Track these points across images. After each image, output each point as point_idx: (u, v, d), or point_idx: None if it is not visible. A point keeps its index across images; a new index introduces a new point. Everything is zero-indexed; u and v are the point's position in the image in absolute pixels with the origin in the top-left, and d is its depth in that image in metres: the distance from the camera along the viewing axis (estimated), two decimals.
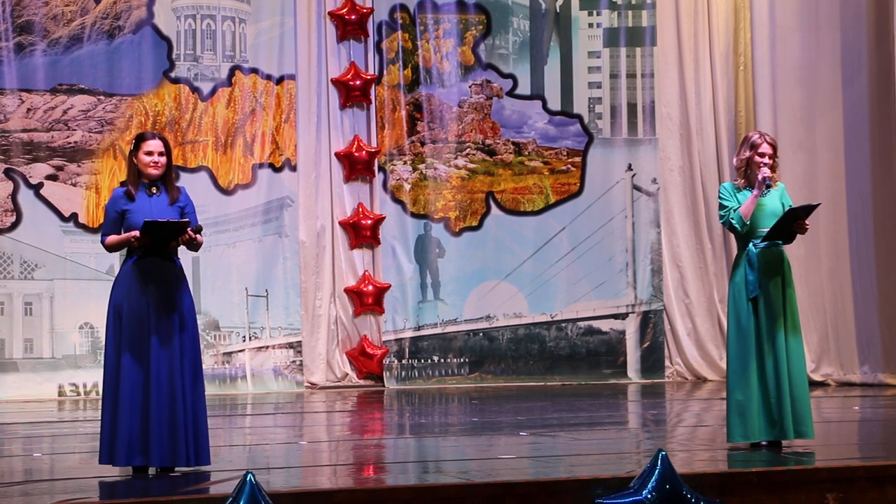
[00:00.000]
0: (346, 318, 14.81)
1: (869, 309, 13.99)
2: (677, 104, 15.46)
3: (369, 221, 14.77)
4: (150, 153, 7.21)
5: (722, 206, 7.99)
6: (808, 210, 7.94)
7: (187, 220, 7.15)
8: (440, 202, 15.14)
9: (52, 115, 14.04)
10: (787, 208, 7.99)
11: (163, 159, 7.23)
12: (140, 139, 7.28)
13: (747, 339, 7.90)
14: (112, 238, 7.23)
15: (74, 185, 14.03)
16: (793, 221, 7.91)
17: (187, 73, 14.46)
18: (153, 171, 7.22)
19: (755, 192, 7.90)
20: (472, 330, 15.17)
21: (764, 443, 7.91)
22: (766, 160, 7.95)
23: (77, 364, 13.90)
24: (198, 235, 7.20)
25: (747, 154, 8.02)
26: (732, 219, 7.91)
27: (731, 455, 7.75)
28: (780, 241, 8.00)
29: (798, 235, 8.06)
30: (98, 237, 7.43)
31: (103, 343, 7.28)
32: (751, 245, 7.94)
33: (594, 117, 15.49)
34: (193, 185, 13.14)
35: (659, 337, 15.36)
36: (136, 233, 7.07)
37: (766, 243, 7.94)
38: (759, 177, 7.90)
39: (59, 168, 14.01)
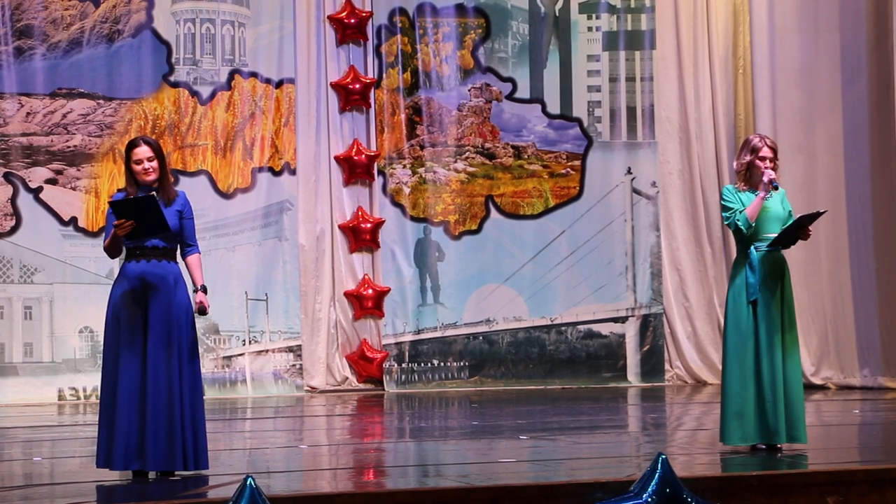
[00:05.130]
0: (346, 322, 14.80)
1: (869, 312, 13.99)
2: (676, 107, 15.45)
3: (369, 225, 14.77)
4: (139, 161, 7.20)
5: (726, 209, 7.97)
6: (814, 217, 7.94)
7: (152, 194, 7.08)
8: (440, 206, 15.14)
9: (52, 119, 14.04)
10: (789, 213, 8.02)
11: (153, 164, 7.21)
12: (129, 148, 7.26)
13: (746, 342, 7.90)
14: (106, 241, 7.23)
15: (74, 188, 14.02)
16: (800, 228, 7.92)
17: (186, 76, 14.46)
18: (146, 178, 7.21)
19: (761, 193, 7.89)
20: (471, 333, 15.16)
21: (763, 446, 7.91)
22: (768, 163, 7.95)
23: (77, 368, 13.88)
24: (204, 300, 7.19)
25: (748, 158, 8.02)
26: (738, 220, 7.89)
27: (731, 458, 7.76)
28: (780, 246, 8.02)
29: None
30: (97, 241, 7.43)
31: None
32: (752, 248, 7.94)
33: (593, 121, 15.49)
34: (193, 189, 13.23)
35: (658, 340, 15.36)
36: (115, 222, 7.03)
37: (767, 247, 7.94)
38: (765, 178, 7.89)
39: (59, 172, 14.00)
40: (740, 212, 7.90)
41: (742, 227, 7.89)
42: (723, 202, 8.02)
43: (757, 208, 7.89)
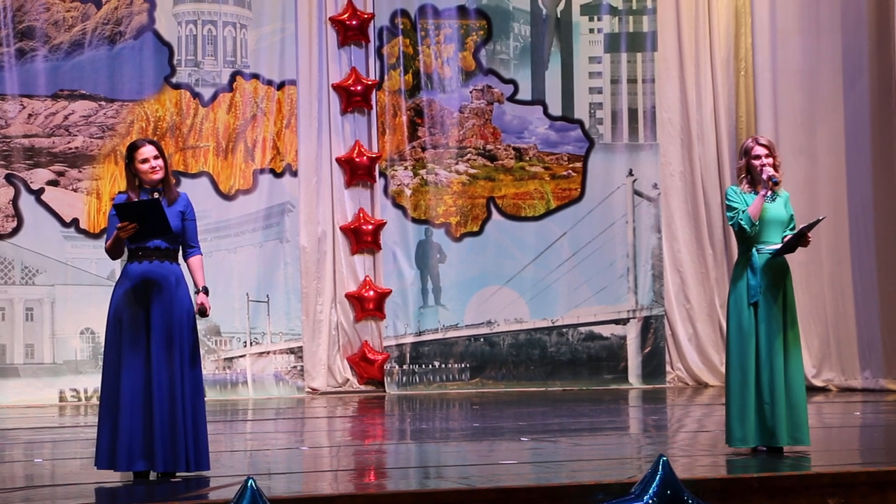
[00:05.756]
0: (347, 324, 14.80)
1: (870, 314, 13.98)
2: (678, 109, 15.45)
3: (370, 227, 14.77)
4: (145, 160, 7.20)
5: (730, 209, 7.99)
6: (812, 225, 7.95)
7: (157, 197, 7.10)
8: (441, 207, 15.14)
9: (54, 121, 14.05)
10: (791, 216, 8.02)
11: (160, 162, 7.23)
12: (132, 149, 7.27)
13: (747, 344, 7.90)
14: (108, 242, 7.23)
15: (75, 190, 14.03)
16: (800, 237, 7.92)
17: (188, 78, 14.47)
18: (154, 177, 7.22)
19: (762, 191, 7.90)
20: (473, 335, 15.16)
21: (764, 448, 7.91)
22: (763, 160, 7.96)
23: (78, 369, 13.89)
24: (205, 301, 7.21)
25: (743, 160, 8.07)
26: (742, 220, 7.89)
27: (732, 460, 7.75)
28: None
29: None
30: (98, 242, 7.44)
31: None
32: (753, 250, 7.94)
33: (595, 122, 15.49)
34: (195, 191, 13.24)
35: (660, 342, 15.35)
36: (118, 224, 7.04)
37: (769, 250, 7.94)
38: (764, 176, 7.91)
39: (61, 173, 14.01)
40: (743, 211, 7.91)
41: (746, 227, 7.89)
42: (727, 202, 8.04)
43: (759, 206, 7.90)
